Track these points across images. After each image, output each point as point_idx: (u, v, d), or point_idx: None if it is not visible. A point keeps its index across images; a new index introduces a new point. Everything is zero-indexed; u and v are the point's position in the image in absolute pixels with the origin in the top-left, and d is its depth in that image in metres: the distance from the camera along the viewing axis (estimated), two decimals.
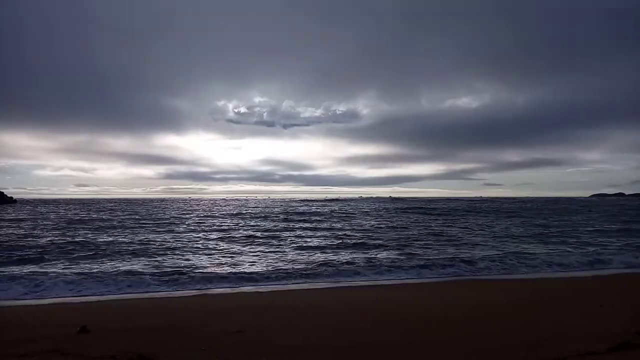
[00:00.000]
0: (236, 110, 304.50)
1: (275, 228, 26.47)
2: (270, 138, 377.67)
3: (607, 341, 4.58)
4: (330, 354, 4.70)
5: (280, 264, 13.27)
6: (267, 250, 16.68)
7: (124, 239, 19.60)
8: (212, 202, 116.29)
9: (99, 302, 8.77)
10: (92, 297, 9.19)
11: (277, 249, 16.76)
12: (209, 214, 44.38)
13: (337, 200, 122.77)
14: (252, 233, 22.96)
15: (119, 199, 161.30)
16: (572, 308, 7.11)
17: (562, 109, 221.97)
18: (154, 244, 17.76)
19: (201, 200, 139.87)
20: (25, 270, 11.80)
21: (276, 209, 55.52)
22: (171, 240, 19.71)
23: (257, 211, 49.71)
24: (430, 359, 4.53)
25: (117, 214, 43.60)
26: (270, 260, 13.98)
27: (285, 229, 25.69)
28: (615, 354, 4.21)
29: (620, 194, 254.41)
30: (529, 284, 10.29)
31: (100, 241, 18.88)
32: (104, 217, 37.89)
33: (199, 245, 17.90)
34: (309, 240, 19.94)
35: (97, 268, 12.31)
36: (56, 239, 19.59)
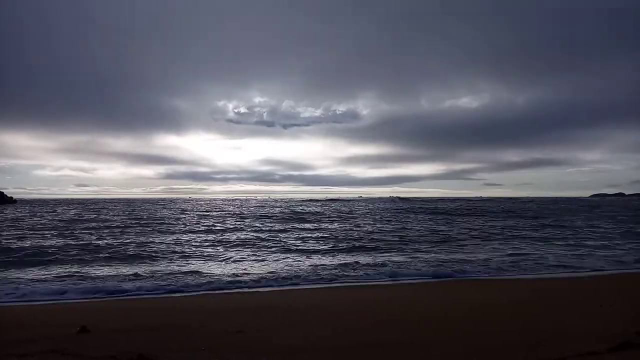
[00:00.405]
0: (236, 110, 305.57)
1: (275, 229, 26.26)
2: (270, 138, 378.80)
3: (607, 341, 4.58)
4: (330, 354, 4.70)
5: (280, 266, 13.16)
6: (268, 253, 16.56)
7: (123, 241, 19.56)
8: (212, 202, 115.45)
9: (99, 302, 8.76)
10: (92, 297, 9.18)
11: (278, 252, 16.47)
12: (211, 215, 43.93)
13: (338, 200, 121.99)
14: (254, 234, 22.80)
15: (119, 199, 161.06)
16: (572, 308, 7.11)
17: (562, 109, 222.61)
18: (155, 246, 17.60)
19: (202, 201, 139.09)
20: (26, 275, 11.61)
21: (277, 209, 55.35)
22: (172, 242, 19.68)
23: (260, 212, 49.20)
24: (430, 359, 4.53)
25: (117, 214, 43.60)
26: (270, 264, 13.85)
27: (286, 230, 25.53)
28: (615, 354, 4.21)
29: (620, 194, 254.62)
30: (529, 284, 10.29)
31: (101, 243, 18.89)
32: (105, 217, 37.87)
33: (200, 247, 17.89)
34: (310, 242, 19.65)
35: (98, 271, 12.28)
36: (57, 241, 19.43)
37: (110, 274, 11.59)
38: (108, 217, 37.18)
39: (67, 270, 12.18)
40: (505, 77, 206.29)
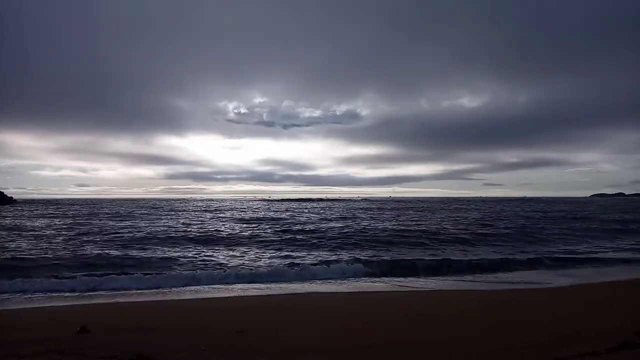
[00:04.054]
0: (236, 111, 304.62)
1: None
2: (270, 138, 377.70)
3: (607, 341, 4.56)
4: (330, 355, 4.69)
5: None
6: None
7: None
8: (228, 203, 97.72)
9: (99, 302, 8.76)
10: (92, 298, 9.18)
11: None
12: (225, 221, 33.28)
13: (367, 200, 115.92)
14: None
15: (121, 199, 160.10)
16: (572, 308, 7.11)
17: (562, 109, 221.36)
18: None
19: (210, 200, 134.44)
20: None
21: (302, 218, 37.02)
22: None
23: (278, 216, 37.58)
24: (428, 359, 4.52)
25: (130, 217, 42.89)
26: None
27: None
28: (615, 354, 4.20)
29: (620, 194, 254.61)
30: (529, 285, 10.30)
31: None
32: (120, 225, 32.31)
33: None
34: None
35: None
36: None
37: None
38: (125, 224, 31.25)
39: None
40: (505, 77, 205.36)
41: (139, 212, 46.49)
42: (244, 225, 28.60)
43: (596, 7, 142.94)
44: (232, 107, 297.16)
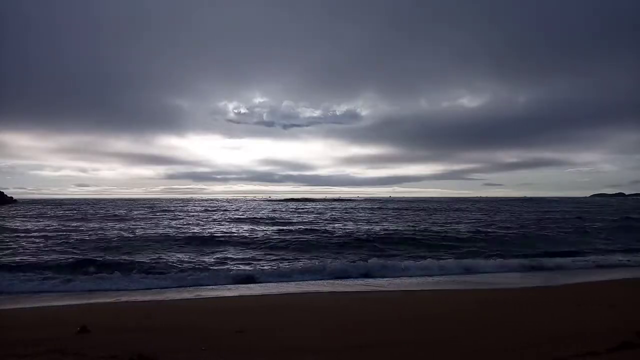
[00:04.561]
0: (236, 111, 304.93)
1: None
2: (270, 138, 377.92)
3: (607, 341, 4.56)
4: (330, 355, 4.69)
5: None
6: None
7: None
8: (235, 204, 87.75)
9: (99, 302, 8.75)
10: (92, 297, 9.18)
11: None
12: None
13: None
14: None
15: (121, 199, 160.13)
16: (572, 308, 7.10)
17: (562, 109, 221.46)
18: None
19: (210, 200, 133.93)
20: None
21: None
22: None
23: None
24: (426, 358, 4.52)
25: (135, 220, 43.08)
26: None
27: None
28: (615, 354, 4.20)
29: (620, 194, 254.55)
30: (527, 285, 10.29)
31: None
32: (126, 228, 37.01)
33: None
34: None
35: None
36: None
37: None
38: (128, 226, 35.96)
39: None
40: (505, 77, 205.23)
41: (139, 212, 46.69)
42: (244, 225, 28.74)
43: (596, 7, 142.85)
44: (232, 107, 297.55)
